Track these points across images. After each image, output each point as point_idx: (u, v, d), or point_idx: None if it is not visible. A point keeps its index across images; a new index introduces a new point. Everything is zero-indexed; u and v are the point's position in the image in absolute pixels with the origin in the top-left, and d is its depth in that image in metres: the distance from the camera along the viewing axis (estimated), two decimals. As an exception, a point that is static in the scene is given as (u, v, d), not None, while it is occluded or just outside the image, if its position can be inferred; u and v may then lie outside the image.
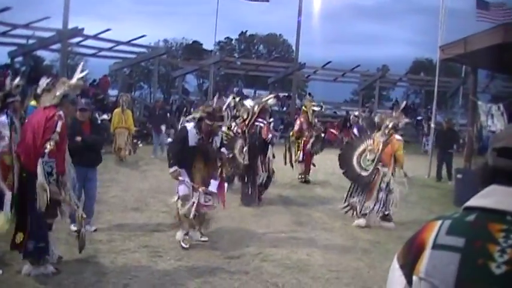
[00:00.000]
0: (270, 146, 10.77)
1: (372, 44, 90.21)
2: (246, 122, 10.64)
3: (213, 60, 33.13)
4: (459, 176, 11.68)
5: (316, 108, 14.04)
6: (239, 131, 10.65)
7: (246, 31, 64.22)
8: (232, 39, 63.85)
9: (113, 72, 33.59)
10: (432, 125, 18.34)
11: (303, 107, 14.53)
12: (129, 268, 6.17)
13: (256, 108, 10.73)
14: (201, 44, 55.85)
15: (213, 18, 32.25)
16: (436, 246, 1.41)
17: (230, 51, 56.76)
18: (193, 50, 54.85)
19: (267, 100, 11.22)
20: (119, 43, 27.28)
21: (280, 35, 64.51)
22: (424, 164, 16.64)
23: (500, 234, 1.34)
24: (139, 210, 9.24)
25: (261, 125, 10.57)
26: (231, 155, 9.43)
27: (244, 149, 10.23)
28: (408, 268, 1.46)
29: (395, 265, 1.52)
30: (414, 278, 1.43)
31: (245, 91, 35.56)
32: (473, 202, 1.47)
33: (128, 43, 27.34)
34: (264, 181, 10.65)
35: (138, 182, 11.89)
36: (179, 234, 7.28)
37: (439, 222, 1.48)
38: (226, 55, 41.47)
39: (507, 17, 21.19)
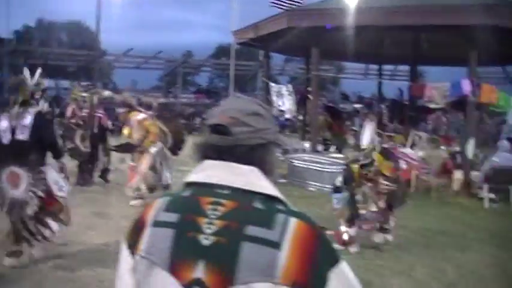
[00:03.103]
0: (108, 133, 11.96)
1: (177, 30, 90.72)
2: (87, 113, 11.44)
3: (8, 49, 31.01)
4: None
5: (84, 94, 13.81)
6: (80, 122, 11.31)
7: (43, 19, 60.52)
8: (30, 27, 59.82)
9: None
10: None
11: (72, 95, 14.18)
12: None
13: (95, 100, 11.72)
14: (-4, 33, 51.62)
15: (7, 5, 29.98)
16: (154, 223, 1.45)
17: (28, 40, 53.29)
18: (-12, 39, 50.55)
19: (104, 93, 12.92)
20: None
21: (81, 22, 61.88)
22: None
23: (209, 206, 1.40)
24: None
25: (100, 115, 11.62)
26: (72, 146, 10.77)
27: (86, 138, 11.14)
28: (134, 247, 1.48)
29: (123, 245, 1.54)
30: (136, 257, 1.46)
31: (46, 82, 33.69)
32: (189, 178, 1.51)
33: None
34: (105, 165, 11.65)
35: None
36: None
37: (160, 200, 1.52)
38: (24, 44, 39.03)
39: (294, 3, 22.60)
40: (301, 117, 18.71)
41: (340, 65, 31.03)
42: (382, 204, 7.16)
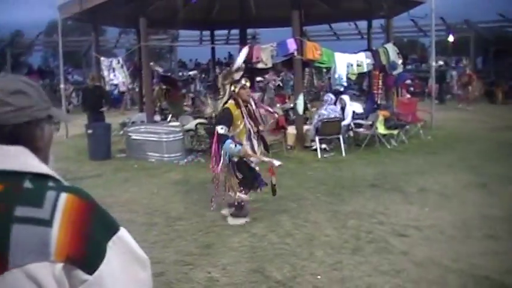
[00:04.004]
0: None
1: (4, 8, 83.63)
2: None
3: None
4: (90, 131, 11.99)
5: None
6: None
7: None
8: None
9: None
10: (62, 86, 17.99)
11: None
12: None
13: None
14: None
15: None
16: None
17: None
18: None
19: None
20: None
21: None
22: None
23: None
24: None
25: None
26: None
27: None
28: None
29: None
30: None
31: None
32: None
33: None
34: None
35: None
36: None
37: None
38: None
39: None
40: (137, 90, 18.41)
41: (176, 33, 30.75)
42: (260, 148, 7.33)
